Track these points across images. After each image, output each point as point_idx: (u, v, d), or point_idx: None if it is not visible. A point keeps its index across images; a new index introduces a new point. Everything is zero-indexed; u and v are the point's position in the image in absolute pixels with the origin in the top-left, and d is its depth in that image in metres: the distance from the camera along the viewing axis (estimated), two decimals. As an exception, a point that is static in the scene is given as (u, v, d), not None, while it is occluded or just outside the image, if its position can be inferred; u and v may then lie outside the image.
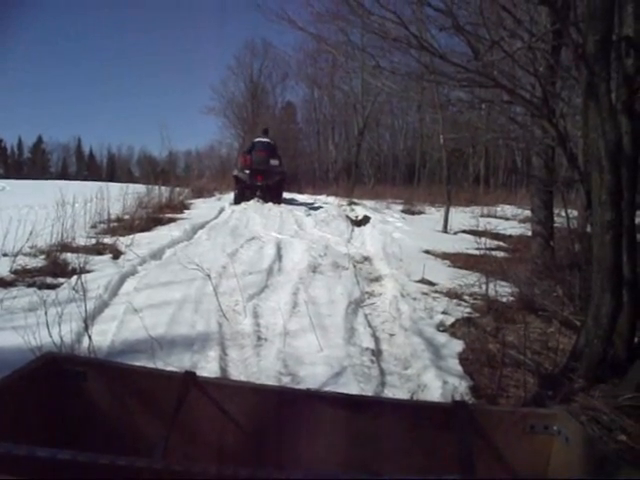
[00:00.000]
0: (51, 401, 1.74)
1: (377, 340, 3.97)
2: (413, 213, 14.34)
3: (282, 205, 13.08)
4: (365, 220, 11.64)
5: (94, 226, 8.29)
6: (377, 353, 3.68)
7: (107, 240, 7.00)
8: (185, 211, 11.63)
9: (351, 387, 2.98)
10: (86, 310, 3.48)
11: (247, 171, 13.44)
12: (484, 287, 5.13)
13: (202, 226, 9.27)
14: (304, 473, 0.94)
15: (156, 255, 6.37)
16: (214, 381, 1.96)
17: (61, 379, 1.77)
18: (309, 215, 11.72)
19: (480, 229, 8.85)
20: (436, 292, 5.41)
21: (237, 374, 3.18)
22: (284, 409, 1.73)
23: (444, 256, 7.60)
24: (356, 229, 10.28)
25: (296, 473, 0.94)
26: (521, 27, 4.64)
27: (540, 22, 5.17)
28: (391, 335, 4.15)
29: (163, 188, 12.12)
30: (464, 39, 4.40)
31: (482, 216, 12.79)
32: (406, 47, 4.62)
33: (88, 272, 5.13)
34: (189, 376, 1.75)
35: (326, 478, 0.88)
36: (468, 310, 4.77)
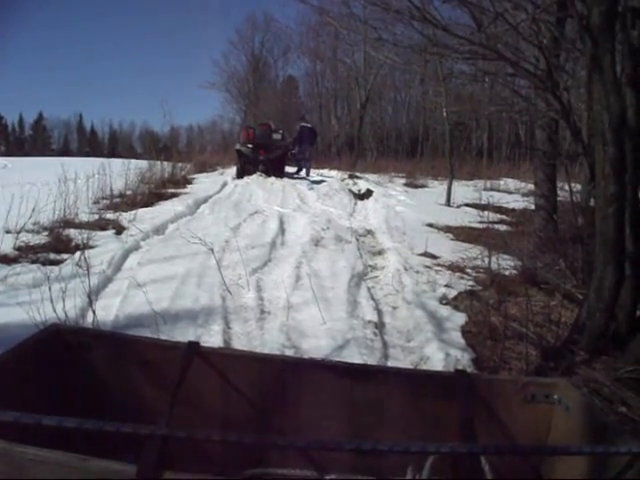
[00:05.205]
0: (56, 371, 1.76)
1: (380, 313, 3.99)
2: (416, 186, 14.28)
3: (284, 179, 13.05)
4: (368, 194, 11.60)
5: (97, 202, 8.29)
6: (380, 326, 3.70)
7: (110, 216, 7.01)
8: (187, 186, 11.61)
9: (354, 359, 2.99)
10: (90, 285, 3.50)
11: (250, 145, 13.38)
12: (487, 260, 5.14)
13: (205, 200, 9.26)
14: (307, 440, 0.96)
15: (159, 230, 6.39)
16: (217, 351, 1.98)
17: (66, 350, 1.79)
18: (312, 189, 11.67)
19: (483, 202, 8.82)
20: (439, 265, 5.41)
21: (240, 347, 3.20)
22: (287, 378, 1.75)
23: (447, 229, 7.60)
24: (359, 203, 10.27)
25: (299, 440, 0.95)
26: (525, -2, 4.55)
27: (545, -7, 5.07)
28: (394, 308, 4.17)
29: (165, 163, 12.06)
30: (467, 11, 4.33)
31: (485, 189, 12.72)
32: (408, 19, 4.54)
33: (91, 248, 5.15)
34: (193, 346, 1.76)
35: (329, 445, 0.89)
36: (471, 283, 4.78)
